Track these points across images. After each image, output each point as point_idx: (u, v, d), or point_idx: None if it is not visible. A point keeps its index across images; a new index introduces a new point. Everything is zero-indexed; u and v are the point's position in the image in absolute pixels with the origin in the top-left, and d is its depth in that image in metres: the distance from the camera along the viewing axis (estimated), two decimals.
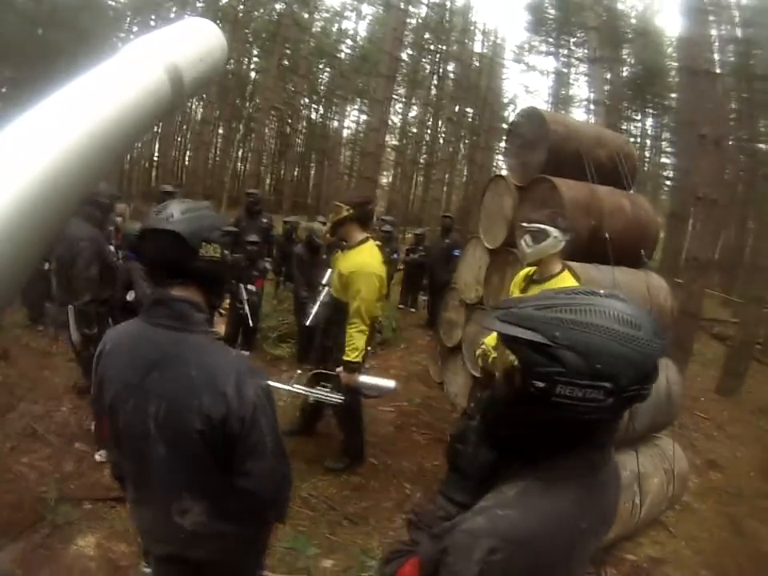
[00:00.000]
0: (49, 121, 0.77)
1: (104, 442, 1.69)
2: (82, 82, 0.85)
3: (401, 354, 7.44)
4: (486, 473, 1.25)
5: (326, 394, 3.81)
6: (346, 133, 32.04)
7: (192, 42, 1.12)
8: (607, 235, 4.06)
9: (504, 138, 6.21)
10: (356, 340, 3.79)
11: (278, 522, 1.89)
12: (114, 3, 22.52)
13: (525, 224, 3.32)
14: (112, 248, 5.38)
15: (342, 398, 3.81)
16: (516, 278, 3.62)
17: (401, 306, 10.58)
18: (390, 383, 3.83)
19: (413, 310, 10.59)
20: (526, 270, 3.52)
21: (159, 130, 25.32)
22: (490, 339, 3.23)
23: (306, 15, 24.67)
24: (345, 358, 3.80)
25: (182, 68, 1.02)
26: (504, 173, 5.56)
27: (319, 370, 4.05)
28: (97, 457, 4.08)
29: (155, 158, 27.77)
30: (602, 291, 1.08)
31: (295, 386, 3.96)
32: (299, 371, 4.41)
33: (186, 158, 29.68)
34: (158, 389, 1.49)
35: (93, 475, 3.94)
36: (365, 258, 3.83)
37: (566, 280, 3.27)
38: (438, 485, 3.58)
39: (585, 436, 1.08)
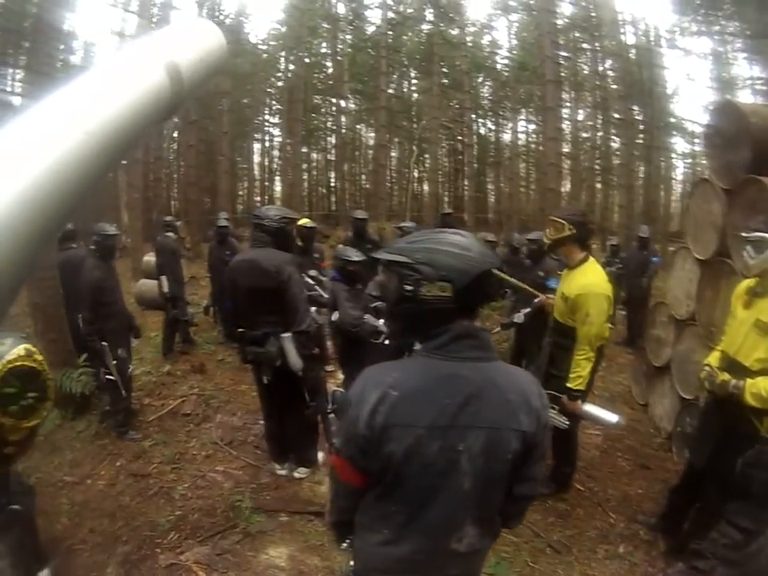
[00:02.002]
0: (51, 119, 0.77)
1: (342, 486, 1.59)
2: (84, 82, 0.86)
3: (602, 372, 7.01)
4: None
5: (554, 415, 3.56)
6: (515, 143, 31.43)
7: (192, 43, 1.12)
8: None
9: (702, 136, 5.56)
10: (582, 368, 3.55)
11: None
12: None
13: (744, 234, 2.95)
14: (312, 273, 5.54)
15: (567, 422, 3.55)
16: (736, 291, 3.17)
17: None
18: (614, 417, 3.53)
19: (611, 325, 9.81)
20: (747, 282, 3.09)
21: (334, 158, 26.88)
22: (713, 359, 3.02)
23: (455, 32, 24.51)
24: (568, 385, 3.57)
25: (182, 68, 1.02)
26: (708, 175, 4.96)
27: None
28: (279, 472, 4.18)
29: (332, 184, 29.10)
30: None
31: None
32: None
33: (355, 182, 30.72)
34: (477, 421, 1.49)
35: (290, 488, 4.01)
36: (590, 279, 3.57)
37: None
38: (641, 514, 3.38)
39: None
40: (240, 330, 3.86)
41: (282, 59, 27.50)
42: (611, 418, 3.52)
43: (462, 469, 1.49)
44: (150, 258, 8.18)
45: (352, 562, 1.75)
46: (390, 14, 23.82)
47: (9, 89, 15.14)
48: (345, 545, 1.79)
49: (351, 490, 1.65)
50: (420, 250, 1.51)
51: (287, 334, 3.69)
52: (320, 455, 4.25)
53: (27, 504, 1.03)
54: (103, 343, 4.60)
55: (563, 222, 3.55)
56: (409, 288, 1.48)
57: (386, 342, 4.32)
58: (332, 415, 4.00)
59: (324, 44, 25.91)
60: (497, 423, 1.50)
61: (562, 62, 19.53)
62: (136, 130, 0.90)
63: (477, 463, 1.49)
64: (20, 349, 0.98)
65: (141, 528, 3.56)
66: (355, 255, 4.65)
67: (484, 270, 1.51)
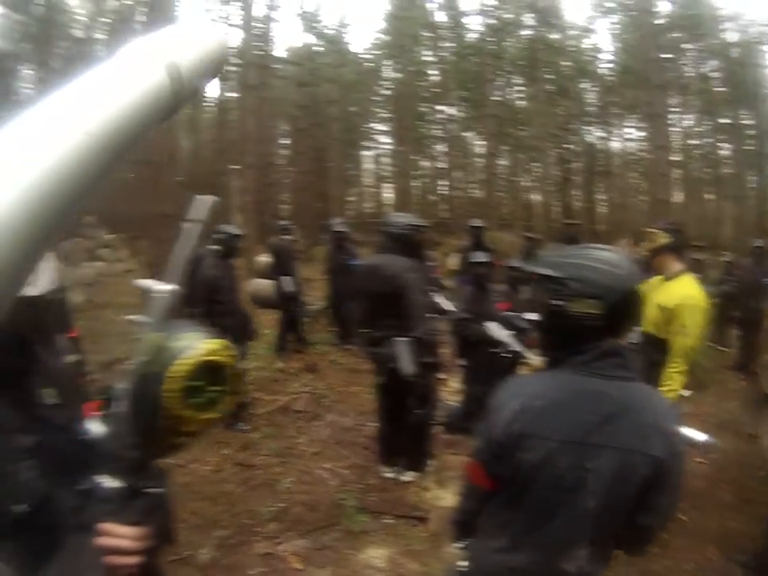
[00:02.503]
0: (48, 120, 0.75)
1: (471, 488, 1.65)
2: (83, 81, 0.82)
3: (711, 398, 6.61)
4: None
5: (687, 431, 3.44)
6: (624, 151, 30.19)
7: (193, 43, 1.05)
8: None
9: None
10: (674, 381, 3.39)
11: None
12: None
13: None
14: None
15: (704, 438, 3.41)
16: None
17: (711, 344, 9.25)
18: (703, 436, 3.33)
19: (724, 348, 9.22)
20: None
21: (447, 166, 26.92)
22: None
23: (557, 36, 23.91)
24: None
25: (182, 68, 0.96)
26: None
27: None
28: (386, 474, 4.20)
29: (442, 191, 29.10)
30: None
31: None
32: None
33: (465, 190, 30.54)
34: (612, 441, 1.49)
35: (396, 491, 4.02)
36: (689, 290, 3.45)
37: None
38: (737, 552, 3.26)
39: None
40: (362, 330, 4.04)
41: (386, 68, 27.79)
42: (700, 437, 3.32)
43: (588, 487, 1.49)
44: (263, 258, 8.46)
45: (465, 563, 1.75)
46: (490, 21, 23.56)
47: None
48: (460, 544, 1.81)
49: (479, 493, 1.68)
50: (570, 266, 1.52)
51: (402, 339, 3.74)
52: (429, 462, 4.25)
53: (166, 487, 1.07)
54: None
55: (659, 231, 3.52)
56: (557, 303, 1.50)
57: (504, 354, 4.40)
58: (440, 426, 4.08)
59: (426, 52, 25.90)
60: (631, 446, 1.48)
61: (666, 64, 18.68)
62: (136, 130, 0.87)
63: (604, 484, 1.48)
64: (214, 343, 0.99)
65: (241, 515, 3.68)
66: (482, 257, 4.77)
67: (632, 288, 1.53)
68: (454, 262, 7.39)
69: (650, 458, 1.46)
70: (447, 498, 3.83)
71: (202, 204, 1.02)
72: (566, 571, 1.57)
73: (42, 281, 1.03)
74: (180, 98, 0.97)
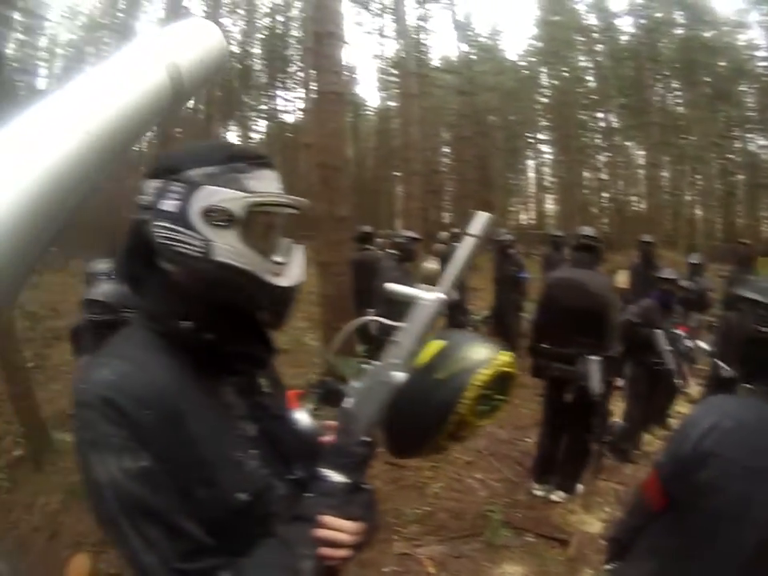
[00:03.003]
0: (50, 119, 0.77)
1: (640, 505, 1.67)
2: (84, 81, 0.86)
3: None
4: None
5: None
6: None
7: (193, 43, 1.10)
8: None
9: None
10: None
11: None
12: None
13: None
14: None
15: None
16: None
17: None
18: None
19: None
20: None
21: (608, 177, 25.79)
22: None
23: (710, 33, 21.99)
24: None
25: (182, 68, 1.01)
26: None
27: None
28: (536, 492, 4.17)
29: (604, 204, 27.95)
30: None
31: None
32: None
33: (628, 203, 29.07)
34: None
35: (543, 510, 3.99)
36: None
37: None
38: None
39: None
40: (543, 345, 3.95)
41: (543, 74, 27.25)
42: None
43: (754, 521, 1.38)
44: (429, 264, 8.57)
45: None
46: (641, 20, 22.33)
47: None
48: (609, 567, 1.78)
49: (646, 511, 1.65)
50: None
51: (595, 357, 3.70)
52: (579, 486, 4.17)
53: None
54: None
55: None
56: (763, 330, 1.46)
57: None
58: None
59: (581, 57, 24.98)
60: None
61: None
62: (136, 130, 0.90)
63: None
64: (506, 355, 1.04)
65: (384, 513, 3.72)
66: (670, 273, 4.69)
67: None
68: (622, 279, 7.05)
69: None
70: (592, 523, 3.79)
71: (481, 220, 1.11)
72: None
73: (293, 272, 1.05)
74: (180, 96, 1.03)
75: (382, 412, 1.02)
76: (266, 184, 1.00)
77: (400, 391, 1.01)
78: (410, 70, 16.72)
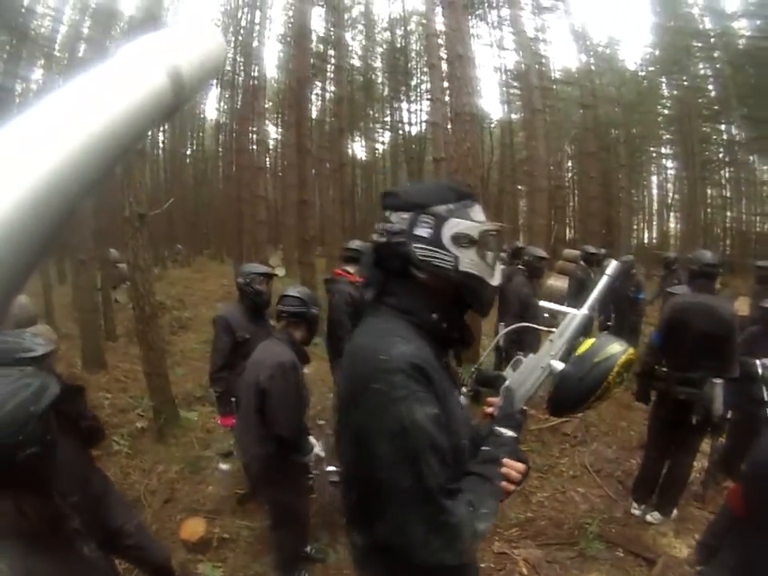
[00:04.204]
0: (48, 122, 0.75)
1: (727, 510, 1.98)
2: (83, 83, 0.83)
3: None
4: None
5: None
6: None
7: (193, 45, 1.08)
8: None
9: None
10: None
11: None
12: None
13: None
14: None
15: None
16: None
17: None
18: None
19: None
20: None
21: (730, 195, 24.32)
22: None
23: None
24: None
25: (183, 70, 0.99)
26: None
27: None
28: (633, 511, 4.31)
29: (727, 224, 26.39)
30: None
31: None
32: None
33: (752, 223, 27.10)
34: None
35: (636, 529, 4.13)
36: None
37: None
38: None
39: None
40: (663, 369, 4.05)
41: (664, 84, 25.85)
42: None
43: None
44: (555, 282, 8.61)
45: None
46: (757, 22, 20.14)
47: None
48: (699, 569, 2.04)
49: (731, 515, 1.92)
50: None
51: (719, 380, 3.82)
52: (675, 511, 4.26)
53: None
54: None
55: None
56: None
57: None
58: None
59: (701, 65, 23.11)
60: None
61: None
62: (137, 133, 0.88)
63: None
64: (632, 349, 1.50)
65: None
66: None
67: None
68: (743, 307, 6.69)
69: None
70: (680, 548, 3.87)
71: (617, 265, 1.67)
72: None
73: (498, 275, 1.49)
74: (180, 99, 1.00)
75: (538, 389, 1.54)
76: (481, 214, 1.45)
77: (565, 372, 1.48)
78: (532, 84, 16.73)
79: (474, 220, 1.40)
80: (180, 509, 4.32)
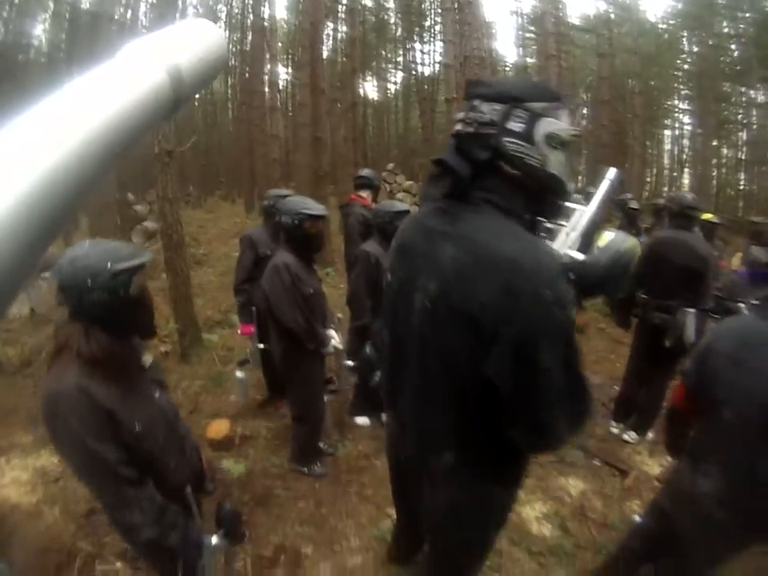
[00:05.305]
0: (50, 120, 0.77)
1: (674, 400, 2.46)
2: (84, 82, 0.86)
3: None
4: None
5: None
6: None
7: (193, 43, 1.11)
8: None
9: None
10: None
11: None
12: None
13: None
14: None
15: None
16: None
17: None
18: None
19: None
20: None
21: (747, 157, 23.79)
22: None
23: None
24: None
25: (183, 69, 1.02)
26: None
27: None
28: (612, 429, 4.72)
29: (741, 186, 26.21)
30: None
31: None
32: None
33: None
34: None
35: (614, 444, 4.59)
36: None
37: None
38: None
39: None
40: (643, 296, 4.35)
41: (685, 40, 25.36)
42: None
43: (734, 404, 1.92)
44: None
45: None
46: None
47: None
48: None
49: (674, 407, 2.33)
50: None
51: (692, 310, 4.06)
52: (651, 433, 4.59)
53: None
54: None
55: None
56: None
57: None
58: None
59: (726, 23, 22.57)
60: None
61: None
62: (136, 131, 0.91)
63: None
64: (637, 241, 1.71)
65: None
66: (760, 252, 4.80)
67: None
68: (736, 262, 7.03)
69: None
70: (652, 466, 4.24)
71: (612, 177, 1.92)
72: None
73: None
74: (180, 97, 1.04)
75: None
76: (570, 119, 1.45)
77: (590, 259, 1.60)
78: (548, 30, 16.51)
79: (566, 124, 1.41)
80: (204, 415, 4.69)
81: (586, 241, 1.70)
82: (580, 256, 1.63)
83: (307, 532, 3.30)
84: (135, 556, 1.99)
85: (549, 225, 1.68)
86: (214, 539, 1.92)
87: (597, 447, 4.42)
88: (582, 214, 1.74)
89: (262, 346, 4.35)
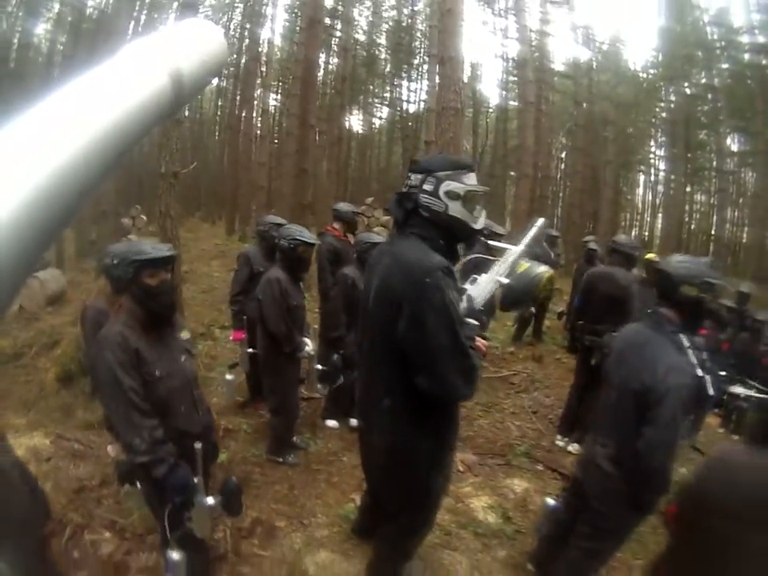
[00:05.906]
0: (51, 121, 0.77)
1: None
2: (84, 83, 0.85)
3: None
4: None
5: None
6: None
7: (194, 44, 1.12)
8: None
9: None
10: None
11: None
12: None
13: None
14: None
15: None
16: None
17: None
18: None
19: None
20: None
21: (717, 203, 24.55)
22: None
23: None
24: None
25: (183, 70, 1.02)
26: None
27: None
28: (557, 442, 5.21)
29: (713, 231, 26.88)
30: None
31: None
32: None
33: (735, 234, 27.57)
34: None
35: (557, 454, 5.07)
36: None
37: None
38: None
39: None
40: (580, 322, 5.10)
41: (664, 89, 25.85)
42: None
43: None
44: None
45: None
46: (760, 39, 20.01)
47: None
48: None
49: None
50: None
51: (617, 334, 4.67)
52: None
53: None
54: None
55: None
56: None
57: None
58: None
59: (703, 74, 23.18)
60: None
61: None
62: (137, 132, 0.91)
63: None
64: (552, 271, 2.75)
65: None
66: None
67: None
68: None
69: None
70: None
71: (539, 225, 3.00)
72: None
73: (481, 222, 2.31)
74: (181, 98, 1.02)
75: (490, 295, 2.60)
76: (473, 180, 2.20)
77: (510, 282, 2.60)
78: (528, 78, 17.25)
79: (464, 183, 2.15)
80: None
81: (512, 269, 2.67)
82: (506, 280, 2.59)
83: (281, 509, 3.77)
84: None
85: (491, 259, 2.80)
86: (211, 500, 2.33)
87: (542, 455, 4.92)
88: (512, 252, 2.70)
89: (250, 350, 4.80)
